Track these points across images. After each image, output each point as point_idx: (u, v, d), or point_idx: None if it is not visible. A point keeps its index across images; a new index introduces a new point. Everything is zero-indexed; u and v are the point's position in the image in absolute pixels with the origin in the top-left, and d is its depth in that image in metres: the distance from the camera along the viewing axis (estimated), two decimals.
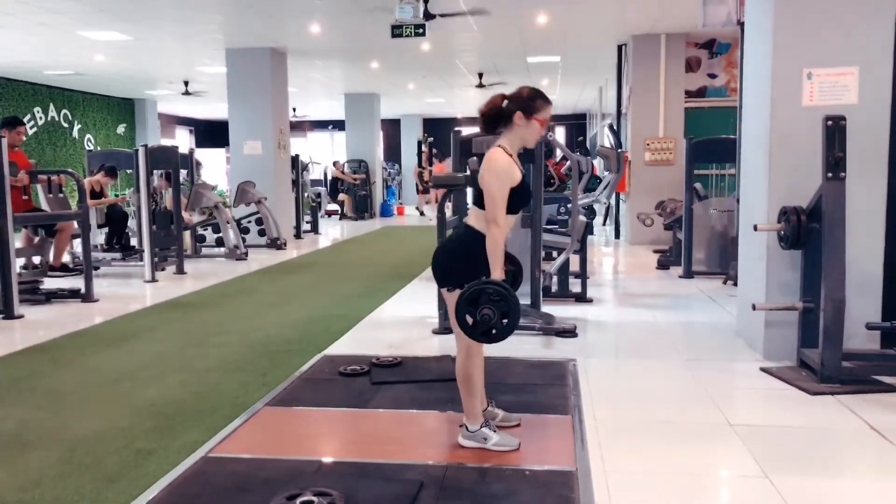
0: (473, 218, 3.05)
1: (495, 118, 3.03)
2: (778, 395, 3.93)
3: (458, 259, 3.05)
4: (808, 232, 4.15)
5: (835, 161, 3.97)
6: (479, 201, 2.98)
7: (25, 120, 15.32)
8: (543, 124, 3.01)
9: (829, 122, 3.99)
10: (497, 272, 2.89)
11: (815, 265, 4.12)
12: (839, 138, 3.96)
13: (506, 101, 3.01)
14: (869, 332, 4.19)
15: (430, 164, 18.08)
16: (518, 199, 2.96)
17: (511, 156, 2.97)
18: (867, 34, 4.28)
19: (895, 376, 4.00)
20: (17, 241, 6.56)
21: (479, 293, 2.79)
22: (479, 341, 2.91)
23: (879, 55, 4.27)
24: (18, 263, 7.73)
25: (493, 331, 2.80)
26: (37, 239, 7.84)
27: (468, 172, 5.14)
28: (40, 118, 16.01)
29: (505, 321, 2.79)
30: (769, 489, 2.75)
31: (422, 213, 18.87)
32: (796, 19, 4.37)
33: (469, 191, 5.45)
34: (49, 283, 7.39)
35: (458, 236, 3.17)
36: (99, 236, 9.58)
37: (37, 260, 7.91)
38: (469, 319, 2.81)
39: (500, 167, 2.92)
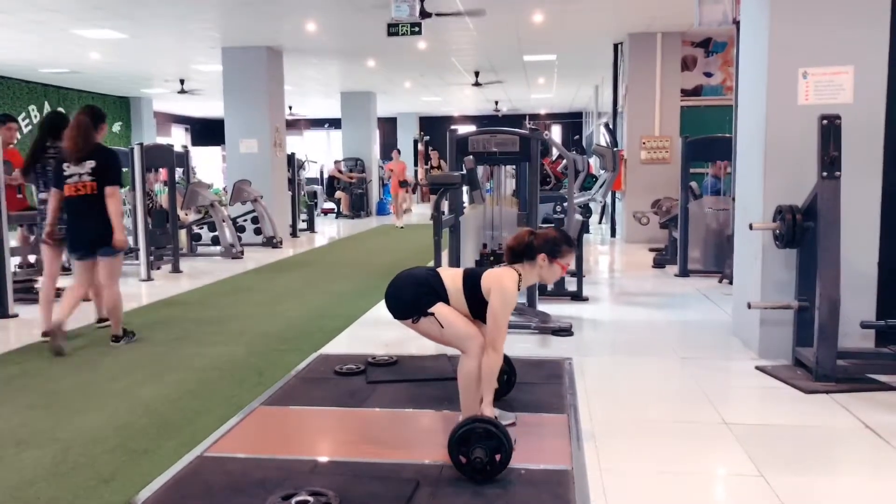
0: (450, 281, 3.10)
1: (521, 253, 3.12)
2: (773, 393, 3.94)
3: (417, 291, 3.07)
4: (804, 231, 4.16)
5: (830, 160, 3.97)
6: (471, 296, 3.06)
7: (20, 118, 15.27)
8: (565, 269, 3.16)
9: (825, 121, 3.99)
10: (488, 400, 2.98)
11: (811, 264, 4.13)
12: (834, 137, 3.97)
13: (534, 239, 3.11)
14: (864, 330, 4.20)
15: (426, 162, 17.97)
16: None
17: (520, 287, 3.09)
18: (862, 33, 4.29)
19: (890, 375, 4.01)
20: (12, 240, 6.53)
21: (470, 433, 2.79)
22: (473, 480, 2.86)
23: (874, 54, 4.28)
24: (14, 262, 7.71)
25: (487, 468, 2.78)
26: (32, 238, 7.80)
27: (464, 171, 5.13)
28: (35, 116, 15.96)
29: (498, 457, 2.79)
30: (764, 488, 2.76)
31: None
32: (792, 18, 4.38)
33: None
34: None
35: (419, 273, 3.19)
36: None
37: (32, 259, 7.88)
38: (462, 459, 2.81)
39: (510, 296, 3.02)
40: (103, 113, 5.18)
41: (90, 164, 4.89)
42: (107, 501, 2.73)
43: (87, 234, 4.97)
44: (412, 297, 3.07)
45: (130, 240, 9.60)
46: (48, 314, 5.25)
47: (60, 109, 5.29)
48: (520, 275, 3.09)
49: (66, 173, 4.92)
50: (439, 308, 3.02)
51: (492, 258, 5.51)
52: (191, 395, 4.02)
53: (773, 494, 2.70)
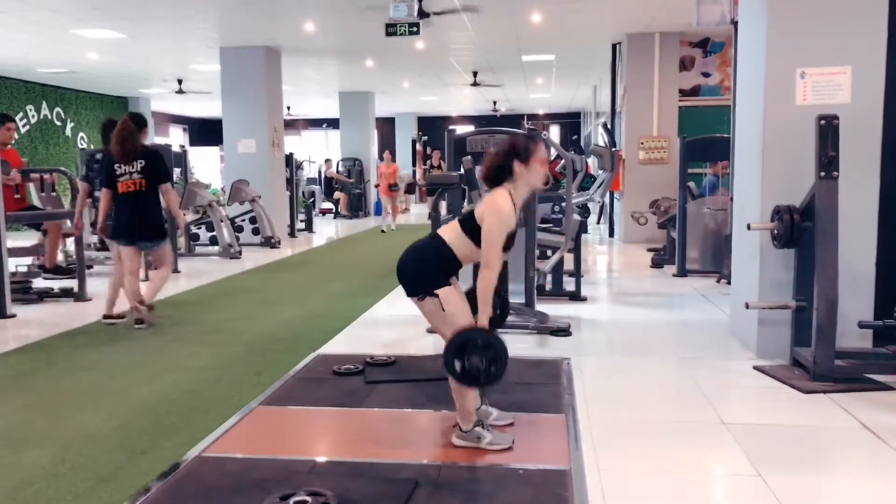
0: (449, 232, 3.07)
1: (498, 174, 3.07)
2: (771, 393, 3.94)
3: (424, 266, 3.05)
4: (802, 231, 4.16)
5: (828, 160, 3.98)
6: (471, 233, 3.00)
7: (18, 118, 15.26)
8: (544, 163, 3.08)
9: (822, 122, 4.00)
10: (485, 317, 2.95)
11: (809, 264, 4.13)
12: (832, 137, 3.98)
13: (500, 158, 3.06)
14: (861, 330, 4.20)
15: (425, 162, 17.82)
16: (506, 243, 3.03)
17: (514, 203, 3.02)
18: (860, 34, 4.30)
19: (887, 374, 4.01)
20: (10, 240, 6.52)
21: (467, 341, 2.82)
22: (468, 386, 2.94)
23: (872, 54, 4.29)
24: (25, 262, 7.74)
25: (482, 377, 2.84)
26: (39, 239, 7.82)
27: (462, 171, 5.14)
28: (33, 116, 15.95)
29: (493, 367, 2.83)
30: (762, 487, 2.76)
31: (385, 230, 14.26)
32: (790, 19, 4.39)
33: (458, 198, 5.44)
34: (42, 282, 7.36)
35: (422, 244, 3.17)
36: (92, 235, 9.54)
37: (32, 260, 7.90)
38: (458, 366, 2.84)
39: (504, 214, 2.96)
40: (145, 118, 5.81)
41: (140, 163, 5.49)
42: (105, 502, 2.73)
43: (133, 225, 5.55)
44: (416, 273, 3.05)
45: None
46: (115, 299, 5.89)
47: (113, 117, 6.01)
48: (509, 190, 3.02)
49: (117, 172, 5.49)
50: (445, 292, 2.99)
51: None
52: (189, 395, 4.02)
53: (770, 494, 2.70)
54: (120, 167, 5.49)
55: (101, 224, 5.81)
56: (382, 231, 14.16)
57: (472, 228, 3.01)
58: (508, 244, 3.05)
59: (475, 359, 2.80)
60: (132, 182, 5.49)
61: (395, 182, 14.56)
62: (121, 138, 5.46)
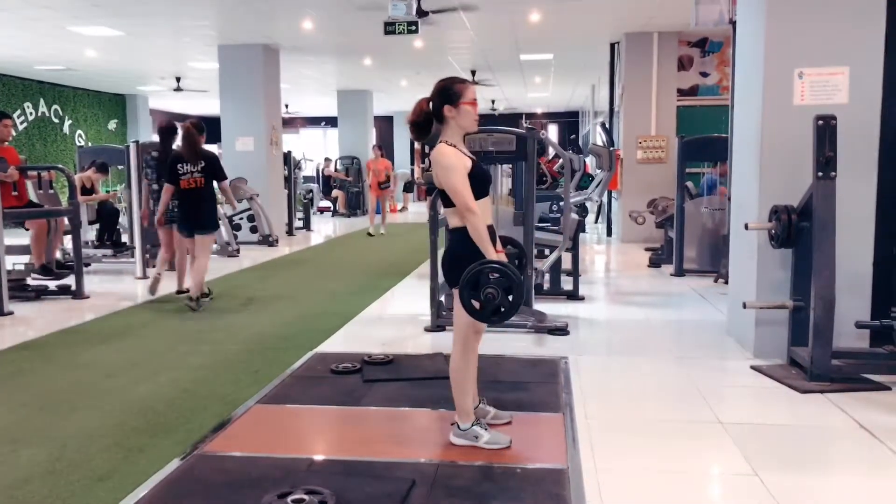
0: (452, 219, 3.06)
1: (428, 122, 3.05)
2: (768, 393, 3.95)
3: (459, 260, 3.03)
4: (799, 231, 4.17)
5: (825, 160, 3.98)
6: (447, 200, 3.00)
7: (16, 115, 15.22)
8: (474, 105, 3.04)
9: (820, 122, 4.00)
10: (490, 253, 2.90)
11: (806, 264, 4.14)
12: (830, 137, 3.98)
13: (429, 102, 3.03)
14: (858, 330, 4.21)
15: (423, 161, 17.66)
16: (479, 184, 2.99)
17: (455, 146, 3.00)
18: (858, 34, 4.30)
19: (884, 374, 4.02)
20: (7, 237, 6.51)
21: (479, 275, 2.81)
22: (490, 322, 2.92)
23: (870, 55, 4.29)
24: (22, 260, 7.72)
25: (502, 308, 2.81)
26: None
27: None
28: (30, 113, 15.91)
29: (510, 297, 2.80)
30: (759, 487, 2.77)
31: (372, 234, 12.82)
32: (788, 19, 4.39)
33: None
34: (40, 280, 7.35)
35: (452, 240, 3.17)
36: (90, 233, 9.53)
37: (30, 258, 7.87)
38: (476, 304, 2.82)
39: (449, 160, 2.95)
40: (204, 125, 6.55)
41: (200, 164, 6.28)
42: (102, 500, 2.73)
43: (193, 216, 6.36)
44: (447, 267, 3.06)
45: (126, 238, 9.64)
46: (183, 276, 6.91)
47: (169, 123, 7.18)
48: (444, 142, 3.01)
49: (180, 171, 6.26)
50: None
51: None
52: (186, 394, 4.02)
53: (767, 493, 2.71)
54: (183, 166, 6.25)
55: (161, 215, 6.67)
56: (369, 234, 12.65)
57: (446, 197, 3.00)
58: (482, 185, 3.01)
59: (490, 290, 2.78)
60: (193, 180, 6.26)
61: (385, 179, 12.86)
62: (187, 143, 6.29)
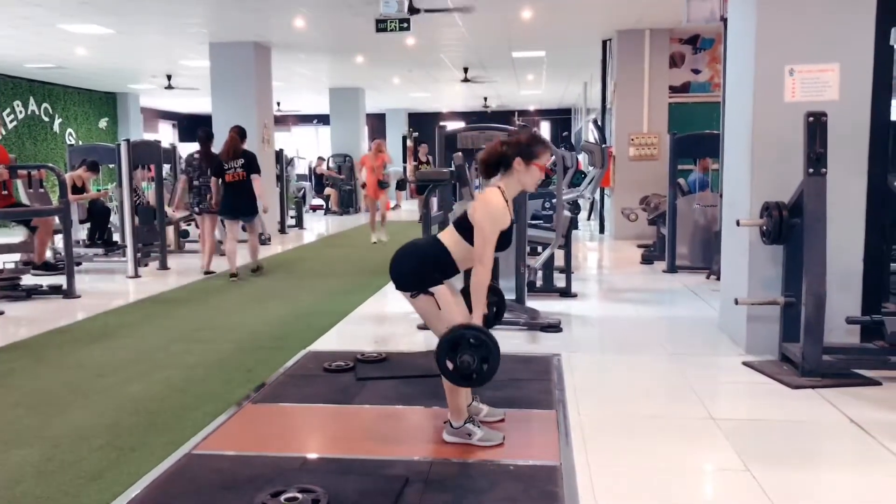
0: (449, 238, 3.06)
1: (496, 164, 3.06)
2: (760, 388, 3.97)
3: (421, 265, 3.04)
4: (790, 227, 4.19)
5: (816, 157, 4.00)
6: (466, 233, 2.99)
7: (5, 114, 15.13)
8: (543, 169, 3.07)
9: (811, 118, 4.02)
10: (478, 314, 2.93)
11: (797, 260, 4.16)
12: (820, 134, 4.00)
13: (506, 147, 3.04)
14: (849, 326, 4.23)
15: (416, 158, 17.58)
16: (502, 241, 3.01)
17: (507, 200, 3.01)
18: (848, 31, 4.32)
19: (875, 370, 4.05)
20: (2, 236, 6.48)
21: (459, 339, 2.81)
22: (459, 385, 2.95)
23: (860, 52, 4.31)
24: (14, 259, 7.69)
25: (474, 375, 2.84)
26: (27, 235, 7.75)
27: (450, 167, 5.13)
28: (20, 112, 15.80)
29: (485, 366, 2.83)
30: (751, 482, 2.78)
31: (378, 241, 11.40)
32: (779, 16, 4.41)
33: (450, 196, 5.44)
34: (31, 279, 7.32)
35: (423, 244, 3.18)
36: (81, 232, 9.49)
37: (20, 257, 7.84)
38: (449, 365, 2.83)
39: (496, 211, 2.95)
40: (245, 131, 7.90)
41: (241, 161, 7.67)
42: (95, 500, 2.72)
43: (236, 204, 7.73)
44: (413, 269, 3.04)
45: (117, 237, 9.61)
46: (234, 260, 7.94)
47: (208, 130, 8.60)
48: (500, 188, 3.03)
49: (225, 167, 7.65)
50: (441, 290, 2.99)
51: None
52: (179, 393, 4.01)
53: (759, 489, 2.72)
54: (227, 163, 7.64)
55: (215, 203, 7.90)
56: (375, 242, 11.29)
57: (465, 228, 3.00)
58: (503, 243, 3.03)
59: (466, 357, 2.80)
60: (236, 174, 7.64)
61: (383, 178, 11.61)
62: (231, 145, 7.67)
